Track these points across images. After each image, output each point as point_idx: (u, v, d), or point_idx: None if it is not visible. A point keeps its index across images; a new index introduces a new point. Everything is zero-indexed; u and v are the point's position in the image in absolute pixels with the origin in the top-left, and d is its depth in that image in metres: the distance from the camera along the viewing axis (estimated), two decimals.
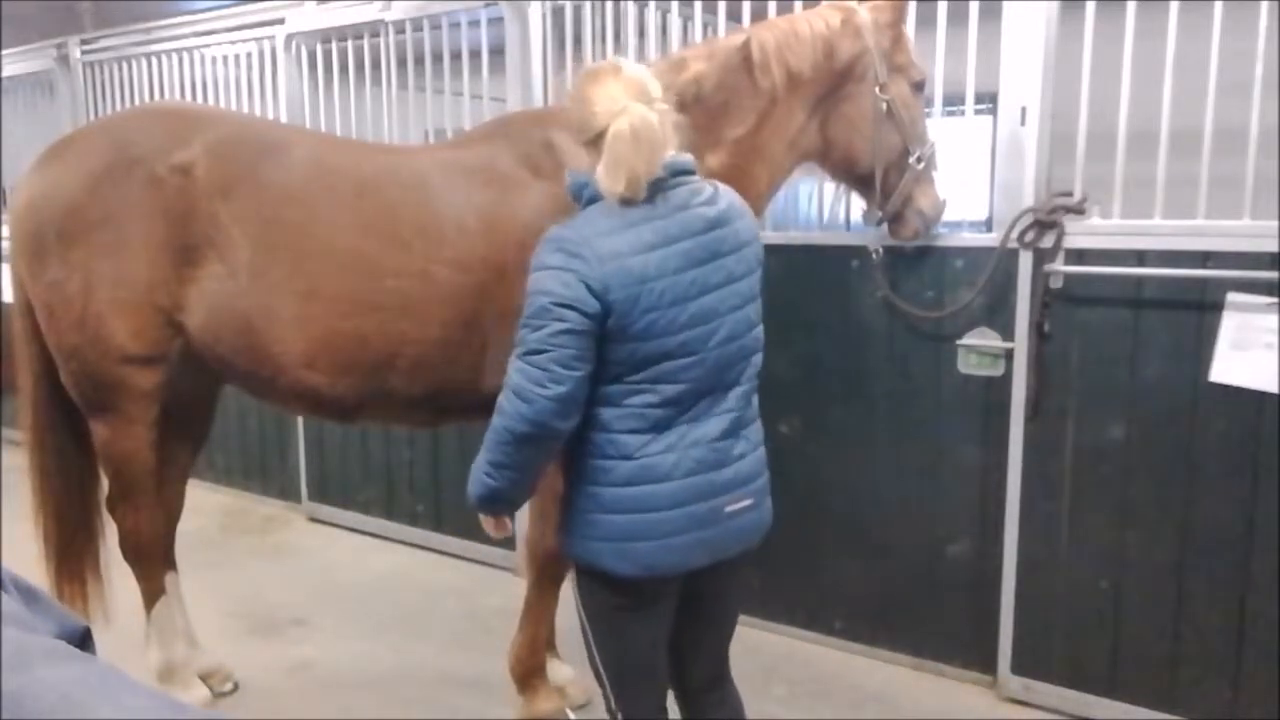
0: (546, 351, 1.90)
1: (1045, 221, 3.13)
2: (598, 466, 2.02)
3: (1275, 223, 2.82)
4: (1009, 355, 3.25)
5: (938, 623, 3.49)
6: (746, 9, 3.58)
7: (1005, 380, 3.26)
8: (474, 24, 4.20)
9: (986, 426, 3.33)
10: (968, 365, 3.33)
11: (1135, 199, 3.10)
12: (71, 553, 3.17)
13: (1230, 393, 2.89)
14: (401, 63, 4.59)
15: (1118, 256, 3.06)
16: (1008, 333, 3.25)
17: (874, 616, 3.62)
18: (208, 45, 5.21)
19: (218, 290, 2.82)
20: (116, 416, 2.96)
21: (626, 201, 1.95)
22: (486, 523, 2.19)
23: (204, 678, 3.34)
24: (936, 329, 3.37)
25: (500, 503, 2.11)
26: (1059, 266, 3.12)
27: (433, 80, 4.69)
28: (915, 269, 3.39)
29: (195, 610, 3.45)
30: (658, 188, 1.98)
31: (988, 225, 3.58)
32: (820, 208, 3.95)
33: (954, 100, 3.48)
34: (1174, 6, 2.94)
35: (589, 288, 1.89)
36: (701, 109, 2.71)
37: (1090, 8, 3.05)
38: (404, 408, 2.94)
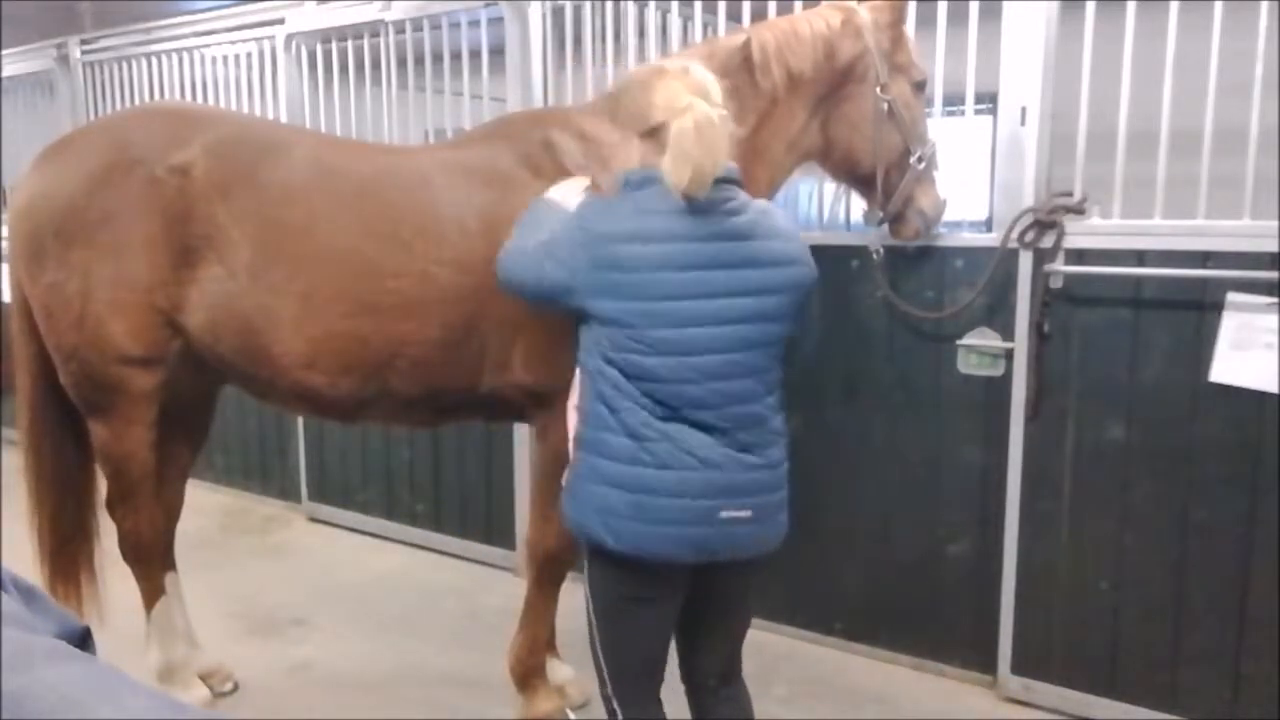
0: (521, 263, 2.21)
1: (1045, 221, 3.13)
2: (603, 439, 2.06)
3: (1275, 223, 2.82)
4: (1009, 355, 3.25)
5: (938, 623, 3.49)
6: (746, 9, 3.58)
7: (1005, 380, 3.26)
8: (474, 24, 4.20)
9: (986, 426, 3.33)
10: (968, 365, 3.33)
11: (1135, 199, 3.10)
12: (66, 553, 3.16)
13: (1230, 393, 2.89)
14: (401, 63, 4.59)
15: (1118, 256, 3.06)
16: (1008, 333, 3.25)
17: (874, 616, 3.62)
18: (208, 45, 5.21)
19: (217, 291, 2.81)
20: (115, 417, 2.96)
21: (689, 197, 1.99)
22: None
23: (204, 678, 3.33)
24: (936, 329, 3.37)
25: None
26: (1059, 266, 3.12)
27: (433, 80, 4.69)
28: (915, 269, 3.39)
29: (195, 610, 3.45)
30: None
31: (988, 225, 3.58)
32: (820, 207, 3.95)
33: (954, 100, 3.48)
34: (1174, 6, 2.94)
35: (572, 270, 2.05)
36: None
37: (1090, 8, 3.05)
38: (404, 408, 2.93)
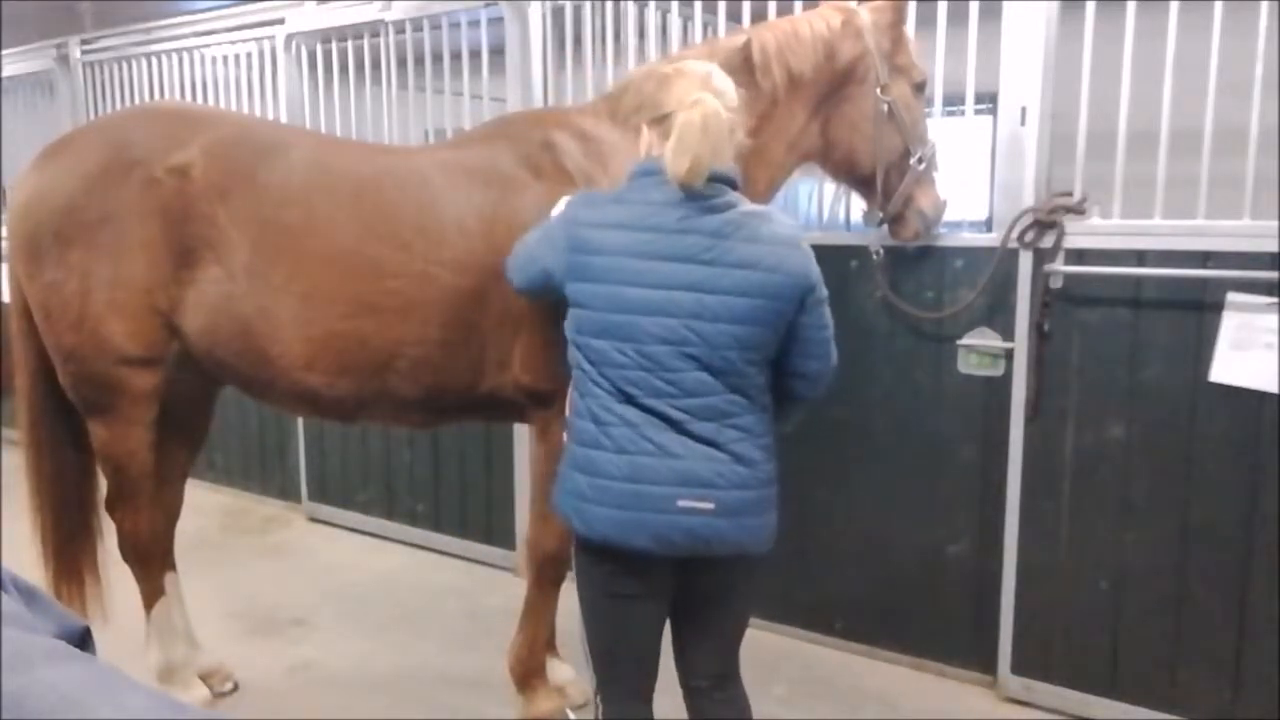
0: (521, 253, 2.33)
1: (1045, 221, 3.13)
2: (574, 424, 2.14)
3: (1275, 223, 2.82)
4: (1009, 355, 3.25)
5: (938, 623, 3.49)
6: (746, 9, 3.58)
7: (1005, 380, 3.26)
8: (474, 24, 4.20)
9: (986, 426, 3.33)
10: (968, 365, 3.33)
11: (1135, 199, 3.10)
12: (69, 553, 3.16)
13: (1230, 393, 2.89)
14: (401, 63, 4.59)
15: (1118, 256, 3.06)
16: (1008, 333, 3.25)
17: (874, 616, 3.62)
18: (208, 45, 5.21)
19: (216, 292, 2.81)
20: (115, 417, 2.96)
21: (685, 186, 2.03)
22: None
23: (204, 678, 3.33)
24: (936, 329, 3.37)
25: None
26: (1059, 266, 3.12)
27: (433, 80, 4.69)
28: (915, 269, 3.39)
29: (195, 610, 3.44)
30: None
31: (988, 225, 3.58)
32: (820, 208, 3.95)
33: (954, 100, 3.48)
34: (1174, 6, 2.94)
35: (554, 253, 2.15)
36: None
37: (1090, 8, 3.05)
38: (404, 408, 2.93)
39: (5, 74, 6.21)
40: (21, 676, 0.55)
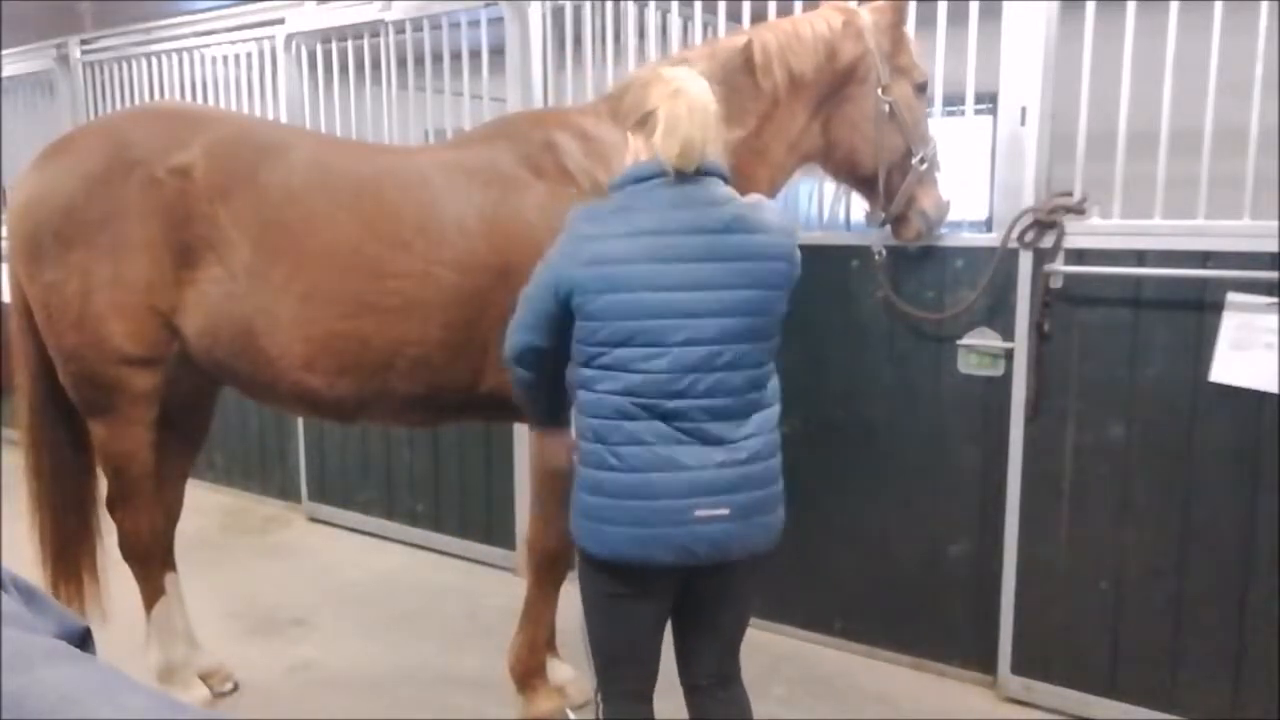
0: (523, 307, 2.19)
1: (1045, 221, 3.13)
2: (584, 448, 2.12)
3: (1275, 223, 2.82)
4: (1009, 355, 3.25)
5: (938, 623, 3.49)
6: (746, 9, 3.58)
7: (1005, 380, 3.26)
8: (474, 24, 4.20)
9: (986, 427, 3.33)
10: (968, 365, 3.33)
11: (1135, 199, 3.10)
12: (68, 552, 3.17)
13: (1230, 393, 2.89)
14: (401, 63, 4.59)
15: (1118, 256, 3.06)
16: (1008, 333, 3.25)
17: (874, 616, 3.62)
18: (208, 45, 5.22)
19: (217, 293, 2.81)
20: (115, 417, 2.96)
21: (679, 171, 2.03)
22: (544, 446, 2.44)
23: (204, 678, 3.33)
24: (937, 329, 3.37)
25: (531, 417, 2.42)
26: (1059, 266, 3.12)
27: (433, 80, 4.69)
28: (915, 269, 3.39)
29: (195, 610, 3.45)
30: (677, 179, 2.06)
31: (988, 225, 3.58)
32: (820, 207, 3.95)
33: (954, 100, 3.48)
34: (1174, 6, 2.94)
35: (558, 274, 2.07)
36: None
37: (1090, 8, 3.05)
38: (404, 408, 2.93)
39: (5, 74, 6.21)
40: (21, 676, 0.55)
